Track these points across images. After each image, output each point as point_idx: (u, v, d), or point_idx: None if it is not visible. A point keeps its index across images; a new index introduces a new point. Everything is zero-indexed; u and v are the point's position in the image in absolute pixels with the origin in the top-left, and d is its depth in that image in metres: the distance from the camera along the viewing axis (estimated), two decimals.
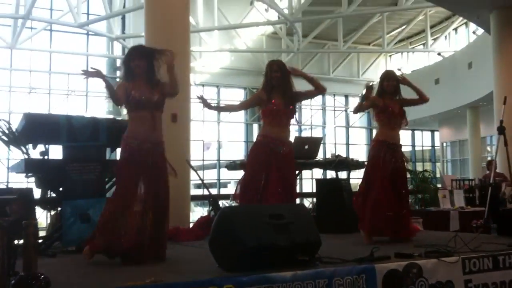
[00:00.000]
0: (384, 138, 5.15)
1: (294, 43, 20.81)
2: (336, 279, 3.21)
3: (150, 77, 4.12)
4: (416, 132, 26.17)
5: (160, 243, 4.04)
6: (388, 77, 5.30)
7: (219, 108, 5.15)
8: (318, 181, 7.02)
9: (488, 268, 3.73)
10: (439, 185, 9.62)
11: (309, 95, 5.10)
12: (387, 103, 5.16)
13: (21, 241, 2.98)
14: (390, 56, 26.27)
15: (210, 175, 21.02)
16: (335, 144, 23.55)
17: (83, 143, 4.59)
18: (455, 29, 24.07)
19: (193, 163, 7.20)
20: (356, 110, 5.34)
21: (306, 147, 6.51)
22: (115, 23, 18.49)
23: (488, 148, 22.38)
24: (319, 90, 4.94)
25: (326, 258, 3.53)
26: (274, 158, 4.67)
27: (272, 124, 4.77)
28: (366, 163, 5.37)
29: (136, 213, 3.91)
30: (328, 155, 21.79)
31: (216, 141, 21.40)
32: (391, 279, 3.37)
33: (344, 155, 7.80)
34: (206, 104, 4.86)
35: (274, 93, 4.79)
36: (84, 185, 4.65)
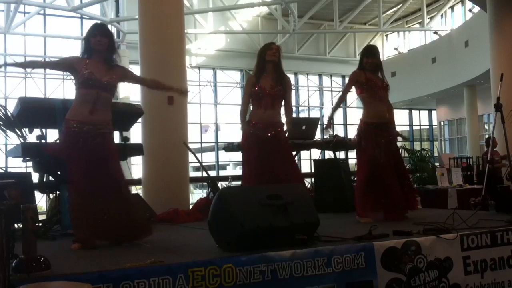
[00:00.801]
0: (371, 119, 4.96)
1: (290, 24, 20.68)
2: (335, 257, 3.22)
3: (109, 57, 4.00)
4: (413, 111, 26.19)
5: (133, 224, 3.89)
6: (368, 53, 5.09)
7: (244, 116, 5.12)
8: (316, 161, 7.03)
9: (486, 245, 3.75)
10: (437, 164, 9.64)
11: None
12: (369, 77, 4.99)
13: (20, 225, 2.99)
14: (386, 35, 26.14)
15: (208, 158, 21.05)
16: (332, 124, 23.51)
17: None
18: (451, 7, 23.95)
19: (191, 146, 7.19)
20: (335, 108, 5.24)
21: (304, 127, 6.50)
22: (109, 6, 18.32)
23: (486, 126, 22.41)
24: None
25: (325, 237, 3.54)
26: (263, 145, 4.69)
27: (257, 106, 4.80)
28: (356, 148, 5.13)
29: (98, 199, 3.78)
30: (326, 136, 21.89)
31: (213, 124, 21.37)
32: (390, 257, 3.38)
33: (342, 135, 7.79)
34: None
35: (265, 75, 4.78)
36: None
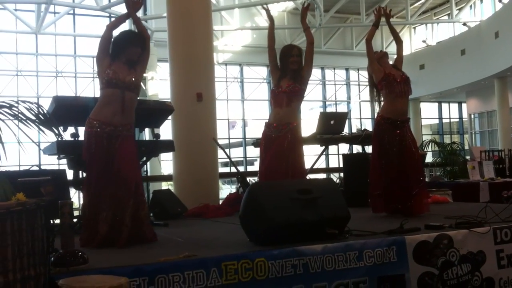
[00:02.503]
0: (387, 114, 4.93)
1: (316, 18, 20.58)
2: (366, 251, 3.23)
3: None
4: (443, 104, 25.83)
5: (141, 228, 3.83)
6: (386, 55, 5.20)
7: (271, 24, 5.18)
8: (344, 156, 7.00)
9: None
10: (467, 157, 9.51)
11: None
12: (388, 72, 4.99)
13: (57, 221, 3.08)
14: (414, 28, 25.81)
15: (236, 153, 21.15)
16: (360, 118, 23.39)
17: None
18: None
19: (219, 142, 7.26)
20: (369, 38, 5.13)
21: (332, 122, 6.49)
22: None
23: None
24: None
25: (355, 231, 3.55)
26: (273, 145, 4.76)
27: (274, 105, 4.89)
28: (372, 142, 5.12)
29: (112, 202, 3.76)
30: (354, 130, 21.75)
31: (241, 120, 21.45)
32: (422, 250, 3.38)
33: (370, 129, 7.75)
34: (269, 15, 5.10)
35: (285, 77, 4.81)
36: None
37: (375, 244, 3.29)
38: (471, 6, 23.78)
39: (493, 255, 3.58)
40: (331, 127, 6.44)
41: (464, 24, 23.35)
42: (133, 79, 3.94)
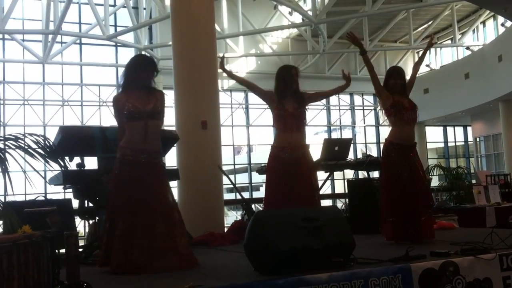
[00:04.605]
0: (396, 140, 4.93)
1: (320, 45, 20.77)
2: (372, 279, 3.22)
3: (148, 85, 4.02)
4: (448, 128, 25.80)
5: (176, 254, 3.86)
6: (396, 74, 5.10)
7: (232, 75, 5.27)
8: (349, 181, 7.01)
9: None
10: (473, 181, 9.48)
11: (326, 94, 5.10)
12: (396, 100, 4.96)
13: (62, 251, 3.09)
14: (417, 52, 25.95)
15: (241, 179, 21.13)
16: (365, 143, 23.39)
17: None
18: (483, 22, 23.67)
19: (224, 168, 7.28)
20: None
21: (336, 148, 6.52)
22: (142, 33, 18.77)
23: None
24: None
25: (361, 259, 3.54)
26: (288, 169, 4.68)
27: (282, 130, 4.80)
28: (382, 167, 5.14)
29: (145, 230, 3.80)
30: (359, 155, 21.71)
31: (246, 145, 21.50)
32: (428, 278, 3.36)
33: (375, 154, 7.77)
34: (222, 66, 5.11)
35: (286, 98, 4.80)
36: None
37: (381, 272, 3.27)
38: (474, 30, 23.95)
39: (500, 282, 3.55)
40: (336, 153, 6.46)
41: (468, 48, 23.47)
42: (154, 107, 3.95)
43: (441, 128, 25.65)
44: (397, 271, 3.31)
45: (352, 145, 19.58)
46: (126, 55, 19.62)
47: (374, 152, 21.22)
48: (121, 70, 4.48)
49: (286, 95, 4.82)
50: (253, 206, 7.12)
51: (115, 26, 19.01)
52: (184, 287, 2.89)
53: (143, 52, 19.36)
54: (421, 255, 3.60)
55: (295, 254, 3.28)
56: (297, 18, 20.06)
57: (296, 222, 3.41)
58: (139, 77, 3.98)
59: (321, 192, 7.17)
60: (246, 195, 18.32)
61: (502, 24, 21.22)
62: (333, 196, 14.06)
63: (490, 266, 3.57)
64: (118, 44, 18.65)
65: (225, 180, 7.31)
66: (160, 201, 3.93)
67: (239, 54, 20.07)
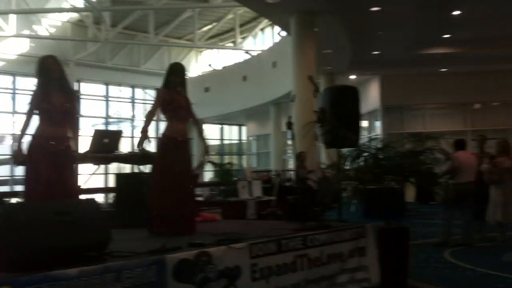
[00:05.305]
0: (173, 134, 5.07)
1: (102, 33, 20.10)
2: (125, 272, 3.17)
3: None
4: (225, 126, 27.21)
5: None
6: (176, 71, 5.20)
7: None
8: (117, 175, 6.88)
9: (272, 252, 4.02)
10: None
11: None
12: (174, 97, 5.09)
13: None
14: (201, 51, 26.85)
15: (3, 171, 19.25)
16: (148, 138, 23.27)
17: None
18: (262, 29, 25.51)
19: None
20: (147, 124, 5.10)
21: (106, 140, 6.32)
22: None
23: (289, 142, 24.16)
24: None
25: (117, 252, 3.47)
26: (52, 159, 4.45)
27: (47, 123, 4.52)
28: (155, 159, 5.21)
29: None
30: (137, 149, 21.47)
31: (10, 134, 19.67)
32: (182, 268, 3.44)
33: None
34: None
35: (53, 91, 4.56)
36: None
37: (135, 265, 3.24)
38: (253, 36, 25.62)
39: (248, 269, 3.82)
40: (105, 146, 6.26)
41: (247, 52, 25.03)
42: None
43: (219, 126, 26.95)
44: (152, 263, 3.31)
45: (131, 139, 19.29)
46: None
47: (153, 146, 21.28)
48: None
49: (49, 89, 4.52)
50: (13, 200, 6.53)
51: None
52: None
53: None
54: (177, 247, 3.68)
55: (46, 250, 3.08)
56: (79, 2, 19.11)
57: (48, 217, 3.20)
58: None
59: (86, 185, 6.94)
60: (6, 189, 16.80)
61: (279, 33, 23.08)
62: (106, 190, 13.69)
63: (241, 254, 3.81)
64: None
65: None
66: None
67: (9, 34, 18.30)
